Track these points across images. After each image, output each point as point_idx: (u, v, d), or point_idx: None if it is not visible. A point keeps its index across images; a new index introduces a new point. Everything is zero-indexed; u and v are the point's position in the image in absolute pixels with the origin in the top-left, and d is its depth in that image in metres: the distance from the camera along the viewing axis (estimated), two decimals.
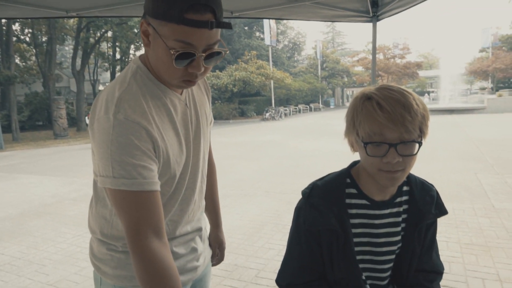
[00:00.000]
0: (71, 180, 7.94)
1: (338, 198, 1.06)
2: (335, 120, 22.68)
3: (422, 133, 0.94)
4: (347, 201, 1.07)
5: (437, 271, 1.17)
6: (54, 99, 21.01)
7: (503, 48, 36.46)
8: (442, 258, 1.19)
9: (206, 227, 1.29)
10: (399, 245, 1.11)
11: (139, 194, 0.86)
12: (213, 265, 1.38)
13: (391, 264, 1.13)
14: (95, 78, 34.58)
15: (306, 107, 35.97)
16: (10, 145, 17.14)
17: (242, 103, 30.17)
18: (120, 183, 0.85)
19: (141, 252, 0.85)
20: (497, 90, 33.07)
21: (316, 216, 1.05)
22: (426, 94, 40.56)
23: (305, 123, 21.81)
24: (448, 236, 3.72)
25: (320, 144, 11.71)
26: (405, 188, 1.11)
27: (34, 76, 27.86)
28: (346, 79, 45.26)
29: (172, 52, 0.84)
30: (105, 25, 25.26)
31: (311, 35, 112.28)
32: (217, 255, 1.40)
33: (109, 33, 29.67)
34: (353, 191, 1.08)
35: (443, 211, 1.13)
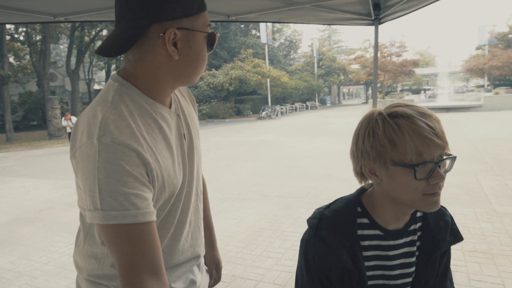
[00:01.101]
0: (65, 184, 7.80)
1: (349, 230, 0.96)
2: (332, 119, 22.62)
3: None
4: (359, 232, 0.98)
5: None
6: (49, 98, 20.83)
7: (499, 45, 36.53)
8: None
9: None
10: (414, 275, 1.02)
11: (133, 227, 0.76)
12: (210, 286, 1.31)
13: None
14: (90, 77, 34.34)
15: (303, 105, 35.92)
16: (3, 146, 16.95)
17: (238, 102, 30.06)
18: (111, 216, 0.75)
19: None
20: (493, 88, 33.19)
21: (326, 252, 0.96)
22: (423, 92, 40.60)
23: (301, 122, 21.73)
24: None
25: (317, 144, 11.63)
26: (418, 214, 1.03)
27: (28, 75, 27.62)
28: (342, 77, 45.25)
29: (211, 36, 0.90)
30: (100, 24, 25.02)
31: (307, 33, 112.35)
32: (214, 276, 1.34)
33: (104, 32, 29.44)
34: (365, 221, 0.98)
35: (458, 238, 1.05)
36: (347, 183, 6.29)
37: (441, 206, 1.06)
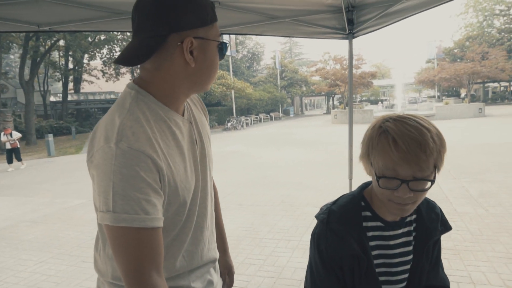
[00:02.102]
0: (26, 200, 7.38)
1: (356, 222, 1.07)
2: (295, 129, 23.12)
3: (436, 168, 0.95)
4: (364, 224, 1.08)
5: (445, 285, 1.21)
6: (0, 111, 19.57)
7: (446, 59, 39.31)
8: None
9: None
10: (411, 263, 1.13)
11: (141, 231, 0.80)
12: None
13: (405, 283, 1.15)
14: (45, 88, 32.71)
15: (267, 116, 36.41)
16: None
17: None
18: (121, 219, 0.78)
19: None
20: (443, 99, 35.54)
21: (338, 242, 1.05)
22: (380, 102, 42.63)
23: (267, 132, 22.02)
24: None
25: (284, 154, 11.86)
26: None
27: None
28: (304, 88, 46.48)
29: (223, 45, 0.97)
30: (58, 34, 24.06)
31: (269, 45, 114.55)
32: (227, 281, 1.36)
33: (61, 42, 28.29)
34: (368, 213, 1.09)
35: (447, 227, 1.18)
36: (318, 190, 6.50)
37: (431, 200, 1.21)
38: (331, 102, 48.16)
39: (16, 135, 12.53)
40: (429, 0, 2.29)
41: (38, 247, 4.55)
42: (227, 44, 0.99)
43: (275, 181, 7.60)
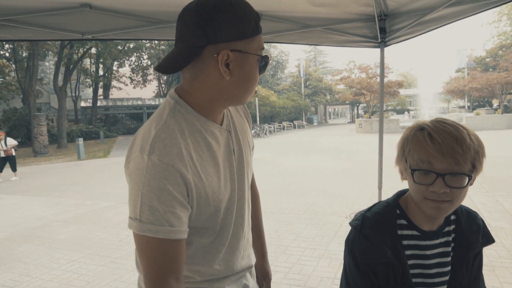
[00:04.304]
0: (58, 201, 7.66)
1: (390, 229, 1.05)
2: (319, 137, 22.94)
3: (474, 168, 0.94)
4: (399, 232, 1.06)
5: None
6: (35, 115, 20.49)
7: (478, 69, 38.08)
8: None
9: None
10: (450, 275, 1.10)
11: (164, 242, 0.83)
12: None
13: None
14: (76, 94, 34.05)
15: (290, 124, 36.34)
16: None
17: None
18: (146, 229, 0.82)
19: None
20: (473, 109, 34.34)
21: (371, 249, 1.04)
22: (406, 112, 41.68)
23: (290, 140, 21.96)
24: None
25: (308, 162, 11.78)
26: (452, 217, 1.11)
27: (13, 92, 27.17)
28: (328, 97, 46.15)
29: (263, 59, 0.93)
30: (90, 42, 25.05)
31: (293, 53, 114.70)
32: (263, 287, 1.36)
33: (93, 50, 29.44)
34: (404, 222, 1.07)
35: (490, 240, 1.13)
36: (343, 199, 6.42)
37: (473, 211, 1.17)
38: (355, 111, 47.54)
39: (11, 142, 11.38)
40: (465, 9, 2.26)
41: (70, 247, 4.71)
42: (269, 58, 0.95)
43: (300, 189, 7.56)
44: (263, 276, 1.36)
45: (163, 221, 0.82)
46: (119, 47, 29.89)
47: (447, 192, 0.91)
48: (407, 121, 29.10)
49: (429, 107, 33.41)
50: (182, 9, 0.91)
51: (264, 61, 0.94)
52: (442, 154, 0.90)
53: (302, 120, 40.50)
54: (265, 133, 27.27)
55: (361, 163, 10.61)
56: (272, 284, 3.35)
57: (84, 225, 5.70)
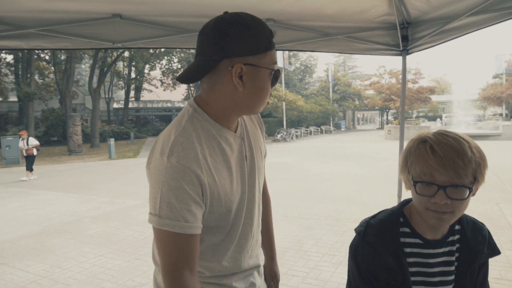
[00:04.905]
0: (89, 198, 8.03)
1: (393, 237, 1.08)
2: (346, 143, 22.63)
3: (476, 180, 0.96)
4: (401, 240, 1.09)
5: None
6: (71, 115, 21.49)
7: None
8: None
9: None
10: (453, 284, 1.12)
11: (180, 236, 0.91)
12: None
13: None
14: (110, 96, 35.38)
15: (317, 129, 36.04)
16: None
17: None
18: (164, 223, 0.90)
19: (177, 286, 0.91)
20: (511, 117, 32.73)
21: (373, 255, 1.07)
22: (438, 119, 40.31)
23: (317, 146, 21.80)
24: None
25: (333, 168, 11.68)
26: (457, 227, 1.13)
27: (51, 93, 28.60)
28: (357, 102, 45.40)
29: (275, 73, 1.00)
30: None
31: (322, 58, 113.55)
32: (272, 287, 1.42)
33: (126, 53, 30.51)
34: (407, 230, 1.10)
35: (495, 251, 1.14)
36: (366, 207, 6.34)
37: (479, 222, 1.18)
38: (385, 117, 46.50)
39: (33, 142, 11.46)
40: (488, 17, 2.23)
41: (98, 242, 4.94)
42: (280, 72, 1.03)
43: (323, 195, 7.53)
44: (272, 277, 1.42)
45: (179, 217, 0.90)
46: (151, 51, 30.82)
47: (448, 203, 0.94)
48: (438, 128, 28.17)
49: (463, 114, 32.15)
50: (203, 25, 0.99)
51: (275, 75, 1.01)
52: (444, 167, 0.93)
53: (330, 125, 40.07)
54: (292, 138, 27.20)
55: (388, 170, 10.41)
56: None
57: (112, 222, 5.95)
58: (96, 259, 4.29)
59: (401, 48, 2.96)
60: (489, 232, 1.16)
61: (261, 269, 1.28)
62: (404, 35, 2.86)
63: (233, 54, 0.93)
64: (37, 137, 23.68)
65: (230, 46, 0.93)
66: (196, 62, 0.99)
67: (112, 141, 17.87)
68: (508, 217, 5.46)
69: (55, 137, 27.35)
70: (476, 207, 5.85)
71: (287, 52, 32.09)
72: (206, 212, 0.98)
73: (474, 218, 1.17)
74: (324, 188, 8.32)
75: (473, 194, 1.00)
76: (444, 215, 0.97)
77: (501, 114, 39.72)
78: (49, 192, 9.02)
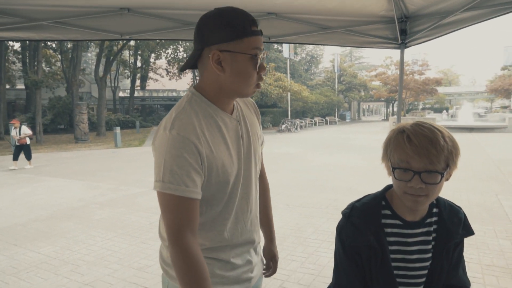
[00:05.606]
0: (96, 185, 8.23)
1: (375, 218, 1.20)
2: (351, 134, 22.64)
3: (448, 166, 1.07)
4: (383, 221, 1.21)
5: (463, 286, 1.28)
6: (77, 104, 21.69)
7: None
8: None
9: (260, 242, 1.41)
10: (430, 261, 1.24)
11: (181, 199, 1.03)
12: (267, 276, 1.51)
13: (423, 279, 1.25)
14: (115, 84, 35.53)
15: (322, 120, 36.01)
16: (34, 147, 17.67)
17: None
18: (167, 187, 1.02)
19: (181, 246, 1.02)
20: None
21: (356, 234, 1.20)
22: (444, 111, 40.03)
23: (321, 136, 21.85)
24: (469, 257, 3.78)
25: (336, 159, 11.78)
26: (434, 210, 1.24)
27: (58, 81, 28.81)
28: (363, 93, 45.17)
29: (254, 58, 1.07)
30: None
31: (329, 48, 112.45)
32: (271, 268, 1.53)
33: (132, 42, 30.53)
34: (388, 212, 1.22)
35: (469, 232, 1.25)
36: None
37: (456, 205, 1.30)
38: (390, 108, 46.31)
39: (26, 131, 11.18)
40: (482, 13, 2.31)
41: (105, 226, 5.13)
42: (257, 57, 1.09)
43: (325, 185, 7.66)
44: (271, 257, 1.53)
45: (180, 182, 1.02)
46: (157, 40, 30.81)
47: (423, 187, 1.06)
48: (444, 120, 27.97)
49: (470, 106, 31.89)
50: None
51: (254, 60, 1.09)
52: (418, 154, 1.04)
53: (335, 116, 39.98)
54: (296, 128, 27.25)
55: None
56: (288, 272, 3.56)
57: (119, 208, 6.14)
58: (103, 242, 4.47)
59: (400, 42, 3.04)
60: (465, 215, 1.27)
61: (258, 247, 1.38)
62: (403, 29, 2.94)
63: (211, 42, 1.06)
64: (44, 125, 24.07)
65: (208, 36, 1.06)
66: (191, 53, 1.15)
67: (118, 129, 18.05)
68: (506, 208, 5.55)
69: (62, 125, 27.64)
70: (475, 197, 5.94)
71: None
72: (205, 181, 1.10)
73: (451, 202, 1.28)
74: (326, 178, 8.44)
75: (447, 179, 1.12)
76: (420, 198, 1.09)
77: (507, 106, 39.35)
78: (57, 178, 9.24)
